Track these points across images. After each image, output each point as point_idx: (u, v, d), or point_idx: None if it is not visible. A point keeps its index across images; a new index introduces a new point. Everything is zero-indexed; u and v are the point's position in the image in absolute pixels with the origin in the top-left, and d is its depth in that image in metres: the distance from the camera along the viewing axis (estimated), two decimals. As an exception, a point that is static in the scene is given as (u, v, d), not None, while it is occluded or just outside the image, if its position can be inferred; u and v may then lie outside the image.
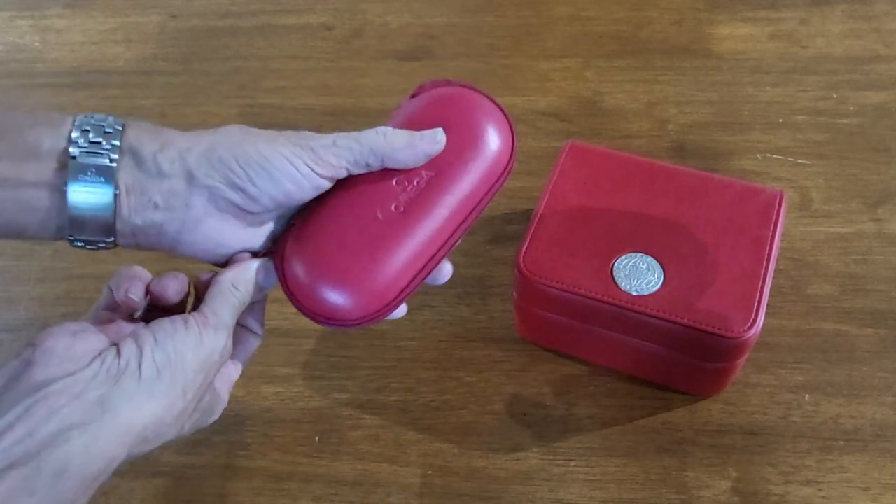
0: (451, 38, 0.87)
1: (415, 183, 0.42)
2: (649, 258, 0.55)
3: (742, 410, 0.57)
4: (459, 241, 0.44)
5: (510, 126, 0.45)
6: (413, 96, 0.46)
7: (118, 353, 0.36)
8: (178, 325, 0.37)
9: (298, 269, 0.41)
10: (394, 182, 0.42)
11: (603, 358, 0.60)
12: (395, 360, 0.63)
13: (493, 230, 0.69)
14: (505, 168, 0.44)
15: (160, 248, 0.41)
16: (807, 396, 0.58)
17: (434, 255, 0.43)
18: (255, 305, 0.44)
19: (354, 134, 0.42)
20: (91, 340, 0.36)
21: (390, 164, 0.42)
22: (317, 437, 0.59)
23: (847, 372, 0.59)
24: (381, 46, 0.87)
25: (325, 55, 0.87)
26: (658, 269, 0.54)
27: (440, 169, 0.43)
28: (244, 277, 0.41)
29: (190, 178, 0.39)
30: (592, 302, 0.53)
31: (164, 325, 0.38)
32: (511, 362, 0.61)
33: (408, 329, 0.64)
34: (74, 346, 0.35)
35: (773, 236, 0.55)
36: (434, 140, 0.43)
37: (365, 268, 0.41)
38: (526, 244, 0.56)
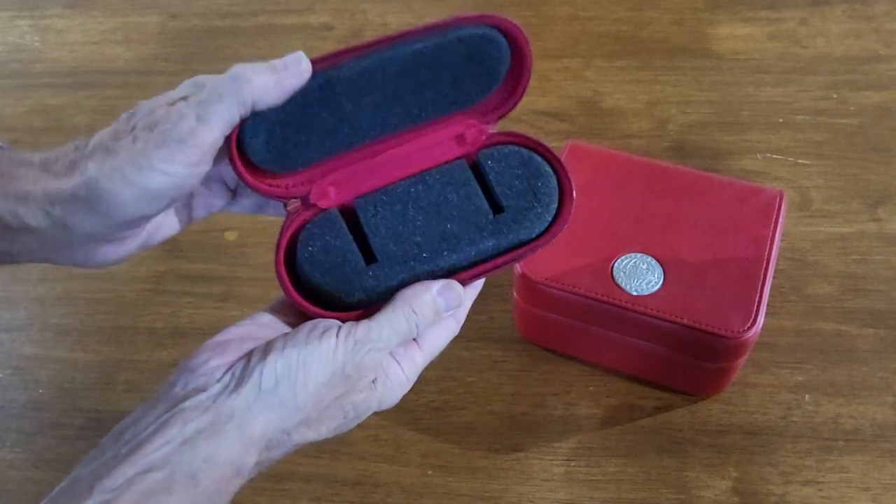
0: (451, 38, 0.87)
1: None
2: (649, 258, 0.55)
3: (742, 410, 0.57)
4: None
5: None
6: None
7: (248, 362, 0.36)
8: (314, 335, 0.36)
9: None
10: None
11: (603, 358, 0.60)
12: (395, 360, 0.62)
13: (493, 230, 0.69)
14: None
15: None
16: (807, 396, 0.58)
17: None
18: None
19: (211, 90, 0.36)
20: (228, 353, 0.36)
21: (260, 106, 0.37)
22: (317, 437, 0.59)
23: (847, 372, 0.59)
24: (381, 46, 0.87)
25: (325, 55, 0.87)
26: (658, 269, 0.54)
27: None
28: (422, 299, 0.38)
29: (63, 228, 0.36)
30: (592, 302, 0.53)
31: (301, 332, 0.36)
32: (511, 362, 0.61)
33: (408, 329, 0.64)
34: (210, 362, 0.36)
35: (773, 236, 0.55)
36: (299, 69, 0.37)
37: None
38: (526, 244, 0.56)
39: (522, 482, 0.55)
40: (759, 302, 0.52)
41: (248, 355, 0.36)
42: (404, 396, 0.60)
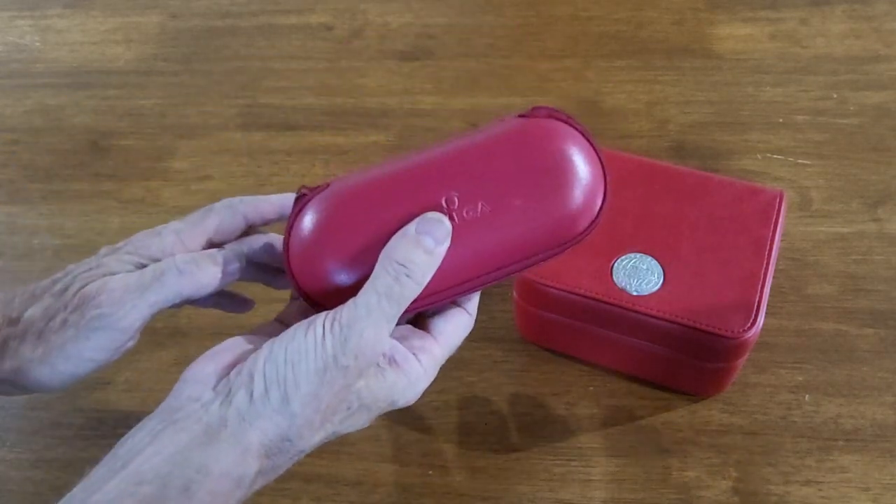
0: (451, 38, 0.87)
1: (463, 213, 0.37)
2: (649, 258, 0.55)
3: (742, 410, 0.57)
4: (477, 288, 0.39)
5: (604, 194, 0.41)
6: (521, 116, 0.42)
7: (241, 368, 0.34)
8: (300, 330, 0.34)
9: (296, 239, 0.38)
10: (443, 200, 0.37)
11: (603, 358, 0.60)
12: (395, 360, 0.62)
13: (493, 230, 0.69)
14: (571, 239, 0.39)
15: None
16: (807, 396, 0.58)
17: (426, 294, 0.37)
18: None
19: (154, 275, 0.40)
20: (225, 359, 0.35)
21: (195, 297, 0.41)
22: (317, 437, 0.59)
23: (847, 372, 0.59)
24: (381, 46, 0.87)
25: (325, 55, 0.87)
26: (658, 269, 0.54)
27: (500, 210, 0.38)
28: (403, 246, 0.35)
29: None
30: (592, 302, 0.53)
31: (289, 330, 0.34)
32: (511, 362, 0.61)
33: (408, 329, 0.64)
34: (207, 368, 0.35)
35: (773, 236, 0.55)
36: (235, 265, 0.41)
37: (343, 259, 0.37)
38: (526, 244, 0.56)
39: (522, 482, 0.55)
40: (759, 302, 0.52)
41: (243, 361, 0.35)
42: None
